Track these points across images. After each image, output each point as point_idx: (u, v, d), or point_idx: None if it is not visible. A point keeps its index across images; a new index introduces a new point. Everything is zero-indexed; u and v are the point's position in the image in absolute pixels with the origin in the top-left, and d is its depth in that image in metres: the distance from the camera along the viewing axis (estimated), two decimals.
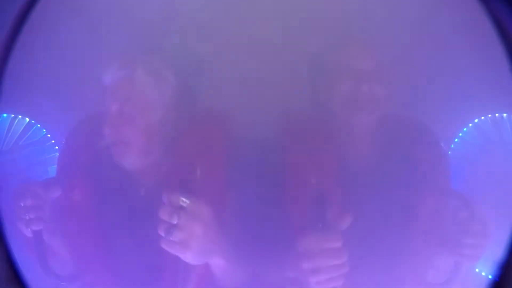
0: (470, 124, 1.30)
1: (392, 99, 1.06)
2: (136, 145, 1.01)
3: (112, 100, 1.02)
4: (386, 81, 1.04)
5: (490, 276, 1.12)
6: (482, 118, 1.29)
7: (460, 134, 1.31)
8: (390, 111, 1.09)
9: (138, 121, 1.01)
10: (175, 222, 0.75)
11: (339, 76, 1.06)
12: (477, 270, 1.17)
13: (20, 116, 1.34)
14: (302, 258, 0.81)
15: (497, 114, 1.28)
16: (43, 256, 0.98)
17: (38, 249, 0.98)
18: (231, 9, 1.23)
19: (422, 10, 1.16)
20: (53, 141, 1.39)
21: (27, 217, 0.95)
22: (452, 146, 1.31)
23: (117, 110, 1.00)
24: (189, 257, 0.77)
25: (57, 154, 1.22)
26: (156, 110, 1.04)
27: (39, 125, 1.37)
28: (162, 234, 0.76)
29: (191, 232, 0.75)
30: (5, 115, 1.33)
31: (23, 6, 0.69)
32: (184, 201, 0.76)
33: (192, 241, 0.76)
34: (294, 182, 0.96)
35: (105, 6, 1.26)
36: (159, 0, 1.30)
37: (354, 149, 1.08)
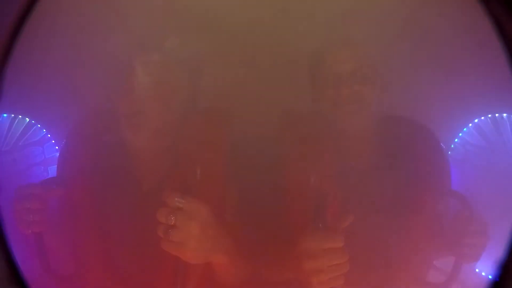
0: (470, 124, 1.31)
1: (391, 100, 1.07)
2: (153, 118, 0.99)
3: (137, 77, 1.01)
4: (374, 82, 1.05)
5: (490, 276, 1.12)
6: (482, 118, 1.29)
7: (460, 134, 1.31)
8: (388, 111, 1.09)
9: (159, 96, 1.00)
10: (173, 223, 0.75)
11: (328, 79, 1.07)
12: (477, 270, 1.17)
13: (20, 116, 1.34)
14: (303, 258, 0.81)
15: (497, 114, 1.28)
16: (43, 257, 0.98)
17: (39, 250, 0.98)
18: (231, 12, 1.23)
19: (422, 10, 1.16)
20: (53, 141, 1.39)
21: (29, 219, 0.95)
22: (452, 146, 1.31)
23: (139, 83, 1.00)
24: (188, 256, 0.78)
25: (57, 154, 1.22)
26: (176, 93, 1.03)
27: (39, 125, 1.37)
28: (161, 235, 0.76)
29: (189, 232, 0.75)
30: (5, 115, 1.33)
31: (23, 6, 0.69)
32: (181, 201, 0.76)
33: (191, 240, 0.76)
34: (294, 181, 0.96)
35: (105, 6, 1.26)
36: (161, 1, 1.30)
37: (354, 149, 1.09)
